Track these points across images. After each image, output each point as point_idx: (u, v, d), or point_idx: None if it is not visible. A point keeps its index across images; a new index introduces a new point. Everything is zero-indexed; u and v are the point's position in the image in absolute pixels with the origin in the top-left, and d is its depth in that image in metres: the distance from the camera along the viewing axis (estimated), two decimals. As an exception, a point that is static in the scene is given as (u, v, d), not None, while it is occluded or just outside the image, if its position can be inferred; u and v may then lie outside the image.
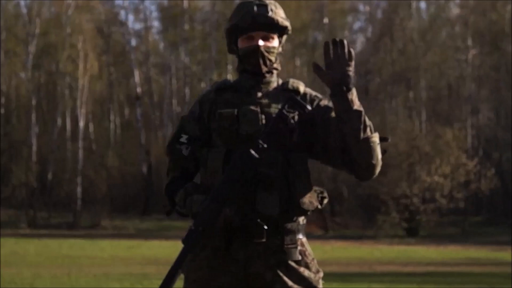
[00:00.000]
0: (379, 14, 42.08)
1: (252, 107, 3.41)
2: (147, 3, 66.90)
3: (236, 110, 3.41)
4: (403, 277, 14.24)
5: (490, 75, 36.86)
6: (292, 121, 3.38)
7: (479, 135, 35.90)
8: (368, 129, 3.32)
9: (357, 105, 3.31)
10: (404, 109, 41.71)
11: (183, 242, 3.29)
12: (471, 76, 35.13)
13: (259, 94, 3.46)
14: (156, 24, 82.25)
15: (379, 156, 3.36)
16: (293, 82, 3.51)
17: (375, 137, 3.33)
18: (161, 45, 49.83)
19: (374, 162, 3.35)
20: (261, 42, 3.43)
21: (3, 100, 42.43)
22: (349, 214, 35.92)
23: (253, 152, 3.29)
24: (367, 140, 3.32)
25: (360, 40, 47.45)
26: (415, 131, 31.44)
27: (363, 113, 3.31)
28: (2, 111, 42.12)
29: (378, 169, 3.39)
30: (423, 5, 42.51)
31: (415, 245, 26.57)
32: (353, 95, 3.33)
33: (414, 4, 39.95)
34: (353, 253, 21.73)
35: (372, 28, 40.86)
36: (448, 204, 30.34)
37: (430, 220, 30.30)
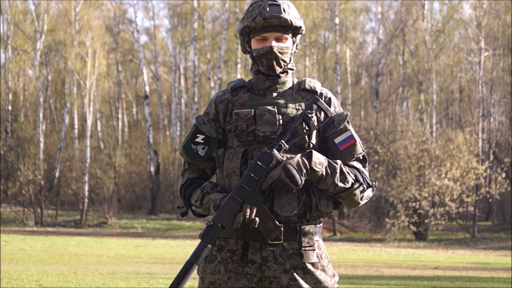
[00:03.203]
0: (391, 15, 41.95)
1: (269, 108, 3.36)
2: (155, 1, 67.06)
3: (253, 111, 3.36)
4: (411, 280, 14.13)
5: (503, 79, 36.65)
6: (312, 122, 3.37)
7: (491, 139, 35.71)
8: (346, 183, 3.34)
9: (317, 174, 3.29)
10: (415, 112, 41.59)
11: (201, 237, 3.24)
12: (483, 79, 34.91)
13: (275, 94, 3.42)
14: (165, 22, 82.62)
15: (361, 200, 3.42)
16: (310, 82, 3.47)
17: (356, 189, 3.36)
18: (170, 44, 49.86)
19: (354, 205, 3.44)
20: (274, 43, 3.37)
21: (10, 97, 42.47)
22: (357, 216, 35.79)
23: (276, 152, 3.24)
24: (344, 192, 3.37)
25: (371, 41, 47.56)
26: (426, 134, 31.24)
27: (328, 176, 3.31)
28: (10, 108, 42.16)
29: (363, 203, 3.46)
30: (436, 6, 42.29)
31: (424, 248, 26.44)
32: (315, 168, 3.29)
33: (427, 4, 39.75)
34: (361, 255, 21.64)
35: (383, 29, 40.70)
36: (458, 208, 30.17)
37: (439, 224, 30.14)
